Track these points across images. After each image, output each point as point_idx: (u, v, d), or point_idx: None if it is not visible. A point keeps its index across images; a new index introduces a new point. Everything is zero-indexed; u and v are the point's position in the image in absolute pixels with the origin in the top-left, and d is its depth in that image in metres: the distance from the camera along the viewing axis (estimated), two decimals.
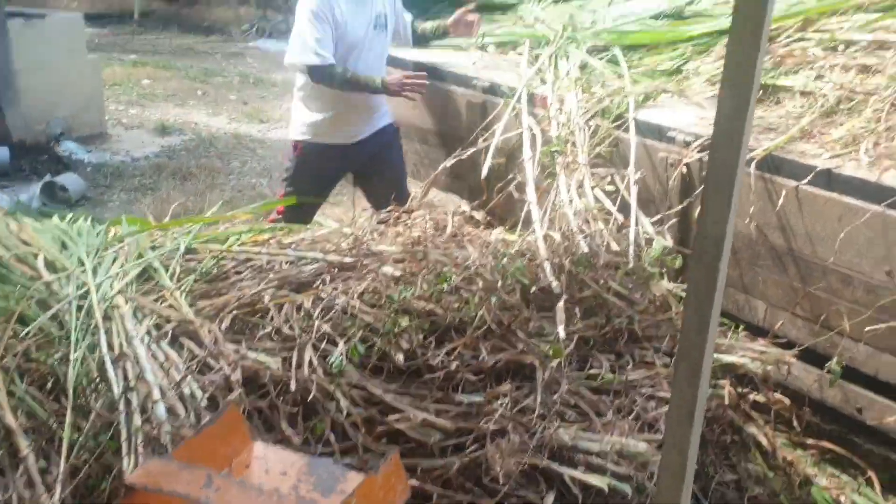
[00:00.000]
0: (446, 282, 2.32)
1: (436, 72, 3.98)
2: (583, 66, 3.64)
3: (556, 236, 2.66)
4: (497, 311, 2.24)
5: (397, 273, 2.46)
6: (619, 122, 3.18)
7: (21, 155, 5.81)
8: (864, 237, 2.44)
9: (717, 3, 3.84)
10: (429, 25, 3.97)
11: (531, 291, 2.40)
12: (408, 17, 3.93)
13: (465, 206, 3.23)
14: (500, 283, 2.39)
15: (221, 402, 1.98)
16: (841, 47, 3.18)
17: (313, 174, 3.79)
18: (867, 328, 2.44)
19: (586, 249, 2.56)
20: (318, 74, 3.52)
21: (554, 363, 2.17)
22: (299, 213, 3.66)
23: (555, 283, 2.41)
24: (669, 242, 2.74)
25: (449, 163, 3.36)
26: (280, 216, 3.73)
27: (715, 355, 2.45)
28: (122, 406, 1.99)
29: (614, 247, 2.68)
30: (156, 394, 2.03)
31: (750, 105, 1.26)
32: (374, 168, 3.85)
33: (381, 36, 3.72)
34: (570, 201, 2.86)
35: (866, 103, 2.85)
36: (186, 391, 2.07)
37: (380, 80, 3.56)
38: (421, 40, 4.00)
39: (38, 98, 6.15)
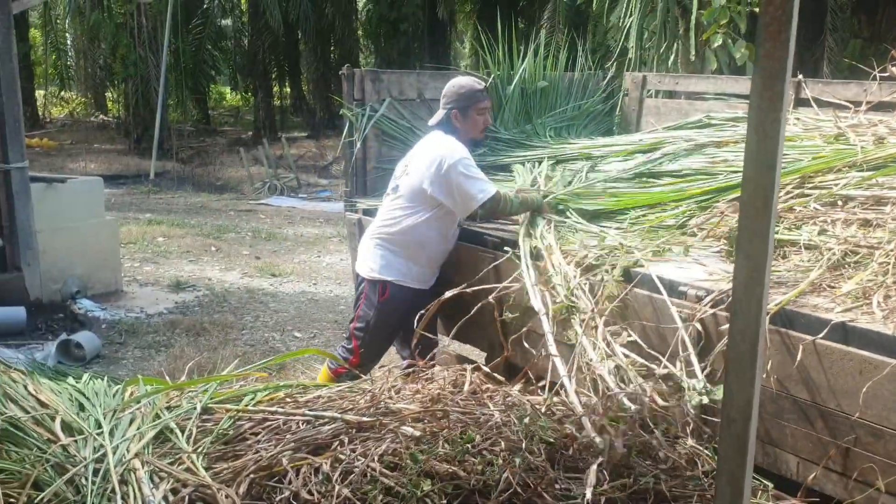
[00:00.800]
0: (469, 442, 2.29)
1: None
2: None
3: (590, 394, 2.65)
4: (522, 473, 2.20)
5: (417, 433, 2.44)
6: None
7: (37, 314, 5.88)
8: (888, 391, 2.42)
9: (714, 161, 4.01)
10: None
11: (558, 452, 2.36)
12: None
13: (482, 362, 3.22)
14: (524, 444, 2.36)
15: None
16: (840, 203, 3.30)
17: (398, 317, 3.92)
18: None
19: (629, 405, 2.54)
20: (495, 203, 3.76)
21: None
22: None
23: (598, 440, 2.37)
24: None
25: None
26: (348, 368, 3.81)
27: None
28: None
29: (660, 401, 2.65)
30: None
31: (766, 274, 1.30)
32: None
33: None
34: (601, 359, 2.86)
35: (871, 257, 2.91)
36: None
37: (541, 196, 3.91)
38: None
39: (55, 258, 6.30)
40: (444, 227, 3.94)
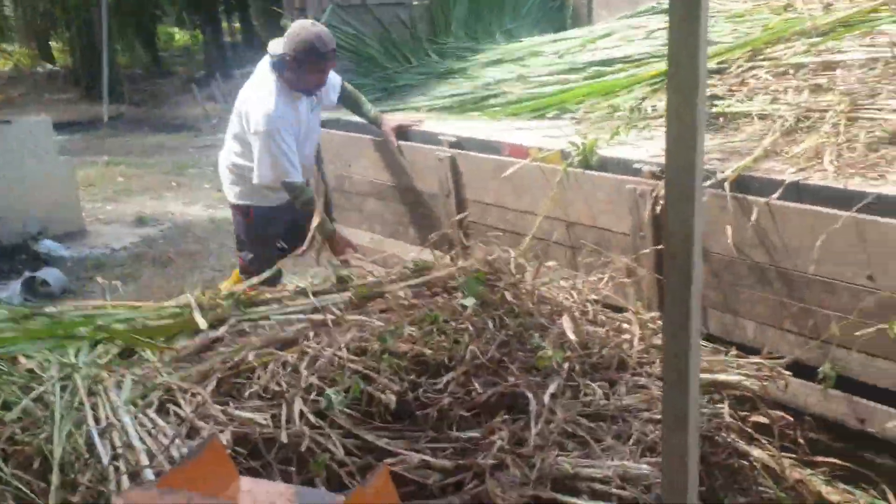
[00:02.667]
0: (434, 322, 2.31)
1: (403, 133, 4.08)
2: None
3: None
4: (490, 348, 2.23)
5: (381, 323, 2.45)
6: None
7: None
8: (841, 244, 2.46)
9: (665, 44, 3.97)
10: (371, 113, 4.14)
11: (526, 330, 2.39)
12: (338, 80, 4.11)
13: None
14: (490, 323, 2.39)
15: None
16: (791, 72, 3.29)
17: (270, 234, 4.05)
18: (857, 333, 2.44)
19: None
20: (289, 189, 3.78)
21: (548, 394, 2.15)
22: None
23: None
24: None
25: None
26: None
27: (710, 375, 2.44)
28: (111, 475, 1.94)
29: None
30: (144, 460, 1.98)
31: (699, 96, 1.29)
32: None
33: (317, 113, 4.06)
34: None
35: (823, 119, 2.93)
36: (176, 455, 2.02)
37: (332, 230, 3.86)
38: (347, 103, 4.21)
39: (10, 201, 6.17)
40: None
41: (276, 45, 3.83)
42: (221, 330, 2.66)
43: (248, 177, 3.89)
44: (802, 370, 2.64)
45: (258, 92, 3.81)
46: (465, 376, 2.15)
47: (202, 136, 12.39)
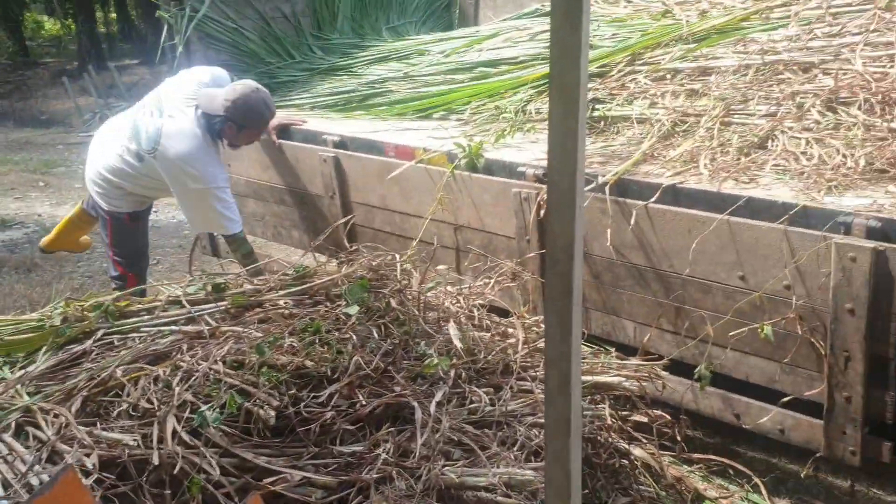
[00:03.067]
0: (316, 332, 2.23)
1: (285, 130, 3.97)
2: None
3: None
4: (374, 357, 2.17)
5: (259, 334, 2.34)
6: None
7: None
8: (714, 245, 2.54)
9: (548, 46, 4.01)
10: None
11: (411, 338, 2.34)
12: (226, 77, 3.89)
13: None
14: (374, 332, 2.33)
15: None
16: (668, 76, 3.38)
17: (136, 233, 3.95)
18: (730, 333, 2.53)
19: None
20: (237, 240, 3.63)
21: (434, 403, 2.11)
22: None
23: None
24: None
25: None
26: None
27: (591, 377, 2.47)
28: None
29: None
30: None
31: (580, 106, 1.28)
32: None
33: None
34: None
35: (699, 123, 3.02)
36: (35, 482, 1.86)
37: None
38: None
39: None
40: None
41: (211, 102, 3.53)
42: (87, 343, 2.49)
43: (128, 189, 3.73)
44: (680, 369, 2.71)
45: (187, 144, 3.53)
46: (348, 388, 2.09)
47: (73, 132, 11.73)
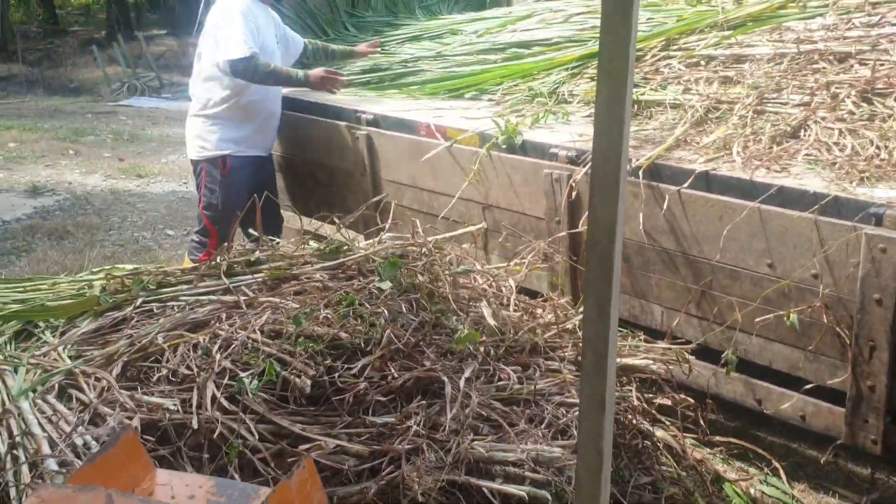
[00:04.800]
0: (350, 305, 2.28)
1: (319, 107, 4.02)
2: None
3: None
4: (405, 332, 2.22)
5: (296, 305, 2.40)
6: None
7: None
8: (745, 233, 2.56)
9: (583, 28, 4.01)
10: (338, 48, 4.51)
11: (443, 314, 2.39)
12: (300, 41, 4.33)
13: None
14: (403, 307, 2.38)
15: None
16: (702, 62, 3.38)
17: (244, 187, 3.88)
18: (756, 319, 2.55)
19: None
20: (243, 66, 3.66)
21: (463, 378, 2.16)
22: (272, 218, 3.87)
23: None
24: None
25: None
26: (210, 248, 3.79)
27: (619, 359, 2.50)
28: (9, 464, 1.84)
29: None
30: (45, 448, 1.89)
31: (627, 92, 1.31)
32: (270, 188, 3.95)
33: (281, 50, 4.06)
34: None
35: (732, 111, 3.02)
36: (79, 442, 1.93)
37: (302, 73, 3.88)
38: (315, 52, 4.41)
39: None
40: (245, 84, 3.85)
41: None
42: (127, 310, 2.56)
43: (222, 120, 3.86)
44: (705, 353, 2.74)
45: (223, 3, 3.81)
46: (381, 361, 2.14)
47: (102, 101, 11.85)
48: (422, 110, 3.80)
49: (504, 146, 3.24)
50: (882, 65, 2.93)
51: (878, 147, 2.64)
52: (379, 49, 4.46)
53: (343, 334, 2.20)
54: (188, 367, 2.16)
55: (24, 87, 12.61)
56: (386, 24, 5.01)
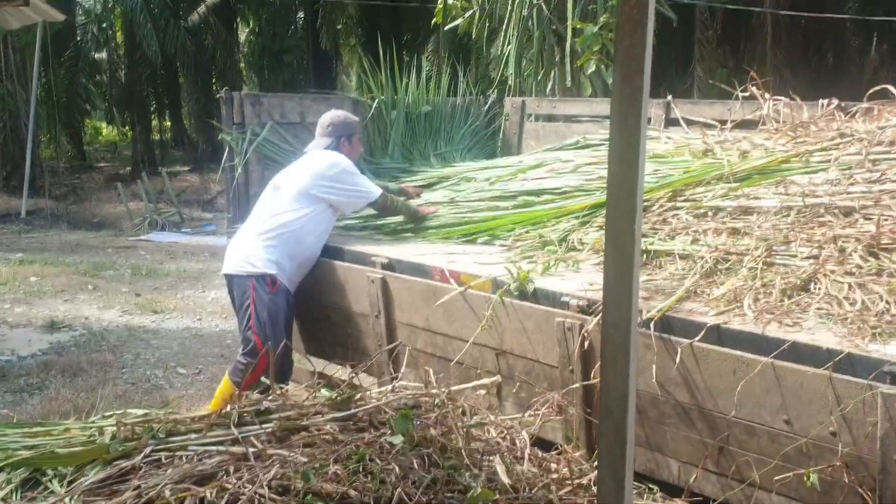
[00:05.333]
0: (361, 461, 2.25)
1: (335, 249, 4.12)
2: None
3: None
4: (415, 490, 2.18)
5: (305, 459, 2.37)
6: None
7: None
8: (759, 388, 2.54)
9: (590, 179, 4.13)
10: (394, 186, 4.78)
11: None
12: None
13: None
14: (415, 462, 2.35)
15: None
16: (710, 213, 3.47)
17: (282, 316, 4.02)
18: (776, 478, 2.49)
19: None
20: (381, 201, 4.25)
21: None
22: (283, 361, 3.90)
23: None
24: None
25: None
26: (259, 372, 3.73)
27: None
28: None
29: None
30: None
31: (635, 264, 1.35)
32: (291, 328, 4.14)
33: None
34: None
35: (741, 263, 3.07)
36: None
37: (414, 207, 4.43)
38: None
39: None
40: (322, 226, 4.17)
41: (320, 143, 4.34)
42: (136, 459, 2.54)
43: (277, 247, 4.03)
44: None
45: (325, 153, 4.27)
46: None
47: (123, 235, 12.13)
48: (436, 255, 3.88)
49: (516, 293, 3.29)
50: (886, 220, 2.99)
51: (887, 302, 2.65)
52: (421, 193, 4.78)
53: (352, 492, 2.16)
54: None
55: (49, 222, 12.96)
56: (402, 170, 5.19)
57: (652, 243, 3.38)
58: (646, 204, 3.67)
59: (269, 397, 2.85)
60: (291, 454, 2.41)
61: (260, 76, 21.20)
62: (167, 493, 2.26)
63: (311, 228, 4.11)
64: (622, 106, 1.18)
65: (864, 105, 3.86)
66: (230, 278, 4.13)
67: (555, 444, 2.95)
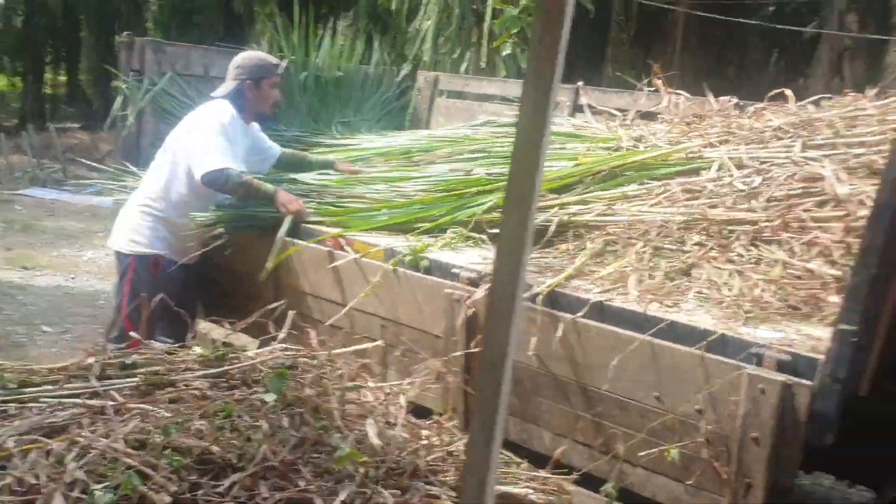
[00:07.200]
0: (228, 417, 2.15)
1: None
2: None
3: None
4: (282, 450, 2.09)
5: (168, 413, 2.25)
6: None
7: None
8: (636, 365, 2.58)
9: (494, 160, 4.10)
10: (316, 159, 4.44)
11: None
12: (277, 150, 4.35)
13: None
14: (286, 421, 2.26)
15: None
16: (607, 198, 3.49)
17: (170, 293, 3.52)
18: (640, 452, 2.54)
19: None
20: (215, 177, 3.69)
21: (338, 501, 2.03)
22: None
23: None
24: None
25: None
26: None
27: (500, 487, 2.42)
28: None
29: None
30: None
31: (529, 221, 1.31)
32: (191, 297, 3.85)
33: (254, 162, 4.12)
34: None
35: (631, 247, 3.10)
36: None
37: (273, 188, 3.80)
38: (291, 160, 4.37)
39: None
40: (205, 191, 3.84)
41: (224, 87, 3.99)
42: None
43: (165, 219, 3.79)
44: (591, 482, 2.69)
45: (207, 107, 3.89)
46: (251, 479, 2.00)
47: (1, 189, 11.42)
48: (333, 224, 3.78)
49: (410, 265, 3.24)
50: (767, 213, 3.08)
51: (762, 290, 2.74)
52: (358, 174, 4.28)
53: (215, 448, 2.06)
54: (36, 477, 1.96)
55: None
56: (306, 140, 4.99)
57: (546, 222, 3.37)
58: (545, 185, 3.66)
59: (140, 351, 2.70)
60: (154, 409, 2.29)
61: (168, 38, 20.34)
62: (10, 444, 2.10)
63: (196, 193, 3.83)
64: (534, 89, 1.16)
65: (759, 105, 3.98)
66: (116, 253, 3.91)
67: (434, 413, 2.92)
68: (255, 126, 4.18)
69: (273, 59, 4.08)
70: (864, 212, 2.69)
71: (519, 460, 2.52)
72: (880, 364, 2.39)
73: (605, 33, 13.16)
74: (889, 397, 2.57)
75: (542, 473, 2.44)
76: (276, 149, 4.34)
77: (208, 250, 3.76)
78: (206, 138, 3.73)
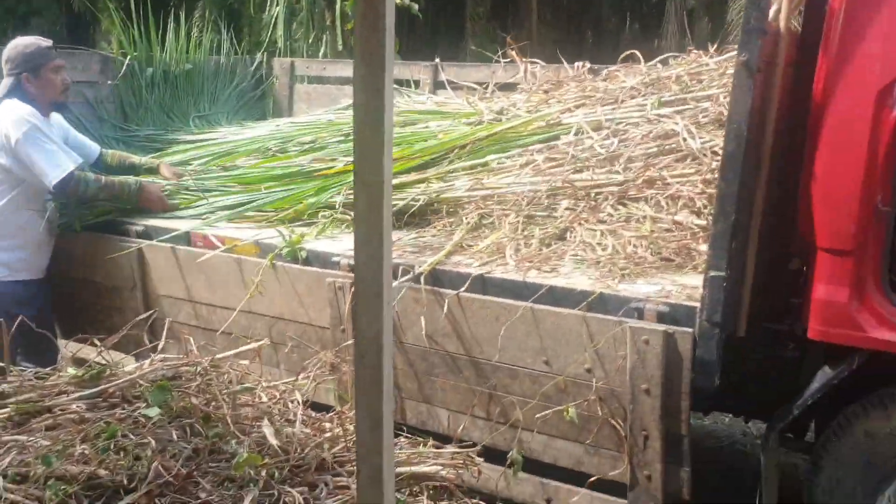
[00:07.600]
0: (112, 438, 2.06)
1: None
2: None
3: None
4: (175, 463, 2.02)
5: (47, 442, 2.13)
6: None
7: None
8: (520, 332, 2.64)
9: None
10: (141, 162, 4.10)
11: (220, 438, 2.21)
12: (95, 148, 4.04)
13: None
14: (174, 434, 2.18)
15: None
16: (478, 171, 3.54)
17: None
18: (537, 416, 2.61)
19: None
20: (70, 186, 3.47)
21: None
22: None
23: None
24: None
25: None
26: None
27: (408, 468, 2.44)
28: None
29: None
30: None
31: (384, 204, 1.31)
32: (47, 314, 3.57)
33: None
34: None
35: (505, 219, 3.16)
36: None
37: (136, 185, 3.61)
38: (112, 161, 4.06)
39: None
40: (42, 204, 3.60)
41: (2, 85, 3.61)
42: None
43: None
44: (495, 455, 2.75)
45: (4, 115, 3.50)
46: (146, 498, 1.93)
47: None
48: (197, 221, 3.65)
49: (288, 257, 3.18)
50: (631, 172, 3.20)
51: (634, 246, 2.86)
52: (181, 178, 3.99)
53: (102, 471, 1.97)
54: None
55: None
56: (159, 137, 4.77)
57: (418, 201, 3.37)
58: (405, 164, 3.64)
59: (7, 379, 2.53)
60: (31, 439, 2.16)
61: (3, 42, 18.94)
62: None
63: (29, 208, 3.55)
64: (365, 67, 1.15)
65: (612, 67, 4.12)
66: None
67: (332, 407, 2.89)
68: (58, 117, 3.84)
69: (44, 42, 3.69)
70: (717, 163, 2.85)
71: (423, 440, 2.54)
72: (752, 305, 2.54)
73: (463, 9, 13.30)
74: (767, 335, 2.75)
75: (449, 449, 2.47)
76: (94, 147, 4.05)
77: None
78: (33, 146, 3.43)
